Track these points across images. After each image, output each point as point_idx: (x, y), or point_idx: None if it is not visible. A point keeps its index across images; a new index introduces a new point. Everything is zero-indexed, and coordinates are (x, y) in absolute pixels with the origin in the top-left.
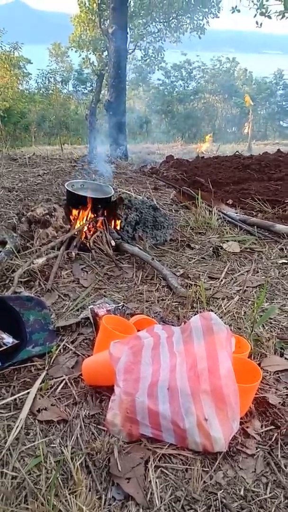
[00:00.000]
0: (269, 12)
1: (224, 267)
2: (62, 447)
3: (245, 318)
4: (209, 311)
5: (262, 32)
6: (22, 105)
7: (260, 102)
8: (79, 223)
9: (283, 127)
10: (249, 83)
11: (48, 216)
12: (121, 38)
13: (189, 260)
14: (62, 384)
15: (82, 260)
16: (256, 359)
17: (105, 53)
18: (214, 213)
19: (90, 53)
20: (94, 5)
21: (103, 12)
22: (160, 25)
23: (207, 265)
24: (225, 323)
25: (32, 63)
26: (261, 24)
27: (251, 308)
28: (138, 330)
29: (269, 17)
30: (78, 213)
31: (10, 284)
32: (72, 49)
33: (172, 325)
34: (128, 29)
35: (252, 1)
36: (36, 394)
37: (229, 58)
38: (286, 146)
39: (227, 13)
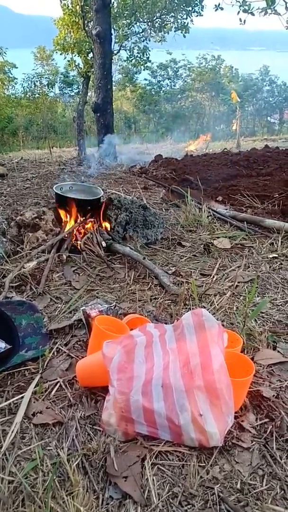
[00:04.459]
0: (252, 9)
1: (216, 263)
2: (58, 449)
3: (237, 313)
4: (202, 307)
5: (246, 29)
6: (9, 110)
7: (247, 98)
8: (69, 225)
9: (270, 123)
10: (235, 80)
11: (37, 219)
12: (106, 39)
13: (181, 258)
14: (56, 387)
15: (74, 262)
16: (249, 353)
17: (90, 54)
18: (204, 210)
19: (75, 55)
20: (77, 7)
21: (87, 14)
22: (144, 25)
23: (198, 262)
24: (217, 319)
25: (17, 67)
26: (244, 21)
27: (243, 303)
28: (131, 330)
29: (252, 14)
30: (68, 215)
31: (1, 290)
32: (56, 52)
33: (165, 323)
34: (112, 30)
35: None
36: (30, 398)
37: (215, 55)
38: (274, 141)
39: (210, 11)
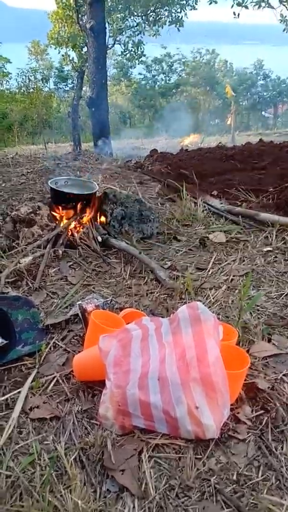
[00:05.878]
0: (245, 2)
1: (211, 257)
2: (56, 443)
3: (232, 307)
4: (198, 301)
5: (240, 23)
6: (4, 105)
7: (242, 93)
8: (65, 220)
9: (265, 117)
10: (230, 75)
11: (32, 214)
12: (100, 33)
13: (176, 252)
14: (53, 382)
15: (69, 257)
16: (244, 346)
17: (85, 49)
18: (199, 205)
19: (69, 50)
20: (71, 0)
21: (81, 7)
22: (138, 19)
23: (194, 256)
24: (213, 312)
25: (11, 62)
26: (238, 15)
27: (238, 296)
28: (127, 324)
29: (246, 7)
30: (63, 210)
31: None
32: (51, 47)
33: (161, 317)
34: (106, 24)
35: None
36: (27, 393)
37: (209, 50)
38: (268, 136)
39: (204, 5)
